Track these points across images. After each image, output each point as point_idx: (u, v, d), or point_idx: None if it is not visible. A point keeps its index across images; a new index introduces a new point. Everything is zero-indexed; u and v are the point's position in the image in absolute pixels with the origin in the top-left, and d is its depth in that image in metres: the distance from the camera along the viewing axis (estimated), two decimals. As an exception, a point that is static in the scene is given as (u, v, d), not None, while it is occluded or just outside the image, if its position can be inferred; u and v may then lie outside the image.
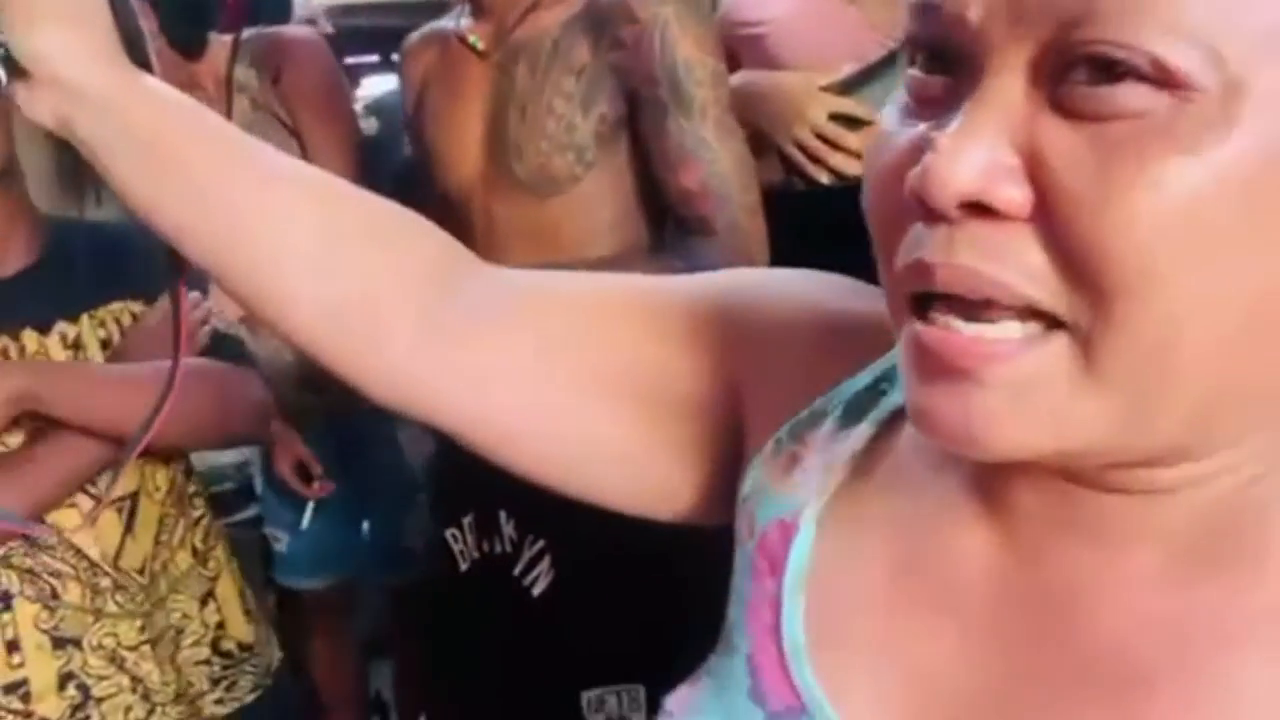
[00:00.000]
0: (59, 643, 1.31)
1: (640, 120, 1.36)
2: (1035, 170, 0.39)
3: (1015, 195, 0.39)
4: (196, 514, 1.45)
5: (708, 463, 0.61)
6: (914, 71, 0.43)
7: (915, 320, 0.42)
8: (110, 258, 1.38)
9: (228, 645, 1.45)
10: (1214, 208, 0.38)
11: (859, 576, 0.51)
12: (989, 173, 0.39)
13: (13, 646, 1.30)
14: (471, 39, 1.47)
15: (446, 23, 1.54)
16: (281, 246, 0.63)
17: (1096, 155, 0.38)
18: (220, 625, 1.45)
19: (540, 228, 1.41)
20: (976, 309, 0.40)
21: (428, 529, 2.00)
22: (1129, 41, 0.37)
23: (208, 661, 1.43)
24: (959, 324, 0.41)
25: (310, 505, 2.16)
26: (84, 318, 1.34)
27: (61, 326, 1.33)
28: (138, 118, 0.63)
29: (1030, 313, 0.40)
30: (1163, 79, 0.37)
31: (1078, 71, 0.38)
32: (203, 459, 2.43)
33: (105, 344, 1.35)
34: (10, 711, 1.30)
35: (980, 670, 0.47)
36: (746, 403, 0.58)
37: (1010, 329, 0.40)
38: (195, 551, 1.43)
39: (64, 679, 1.31)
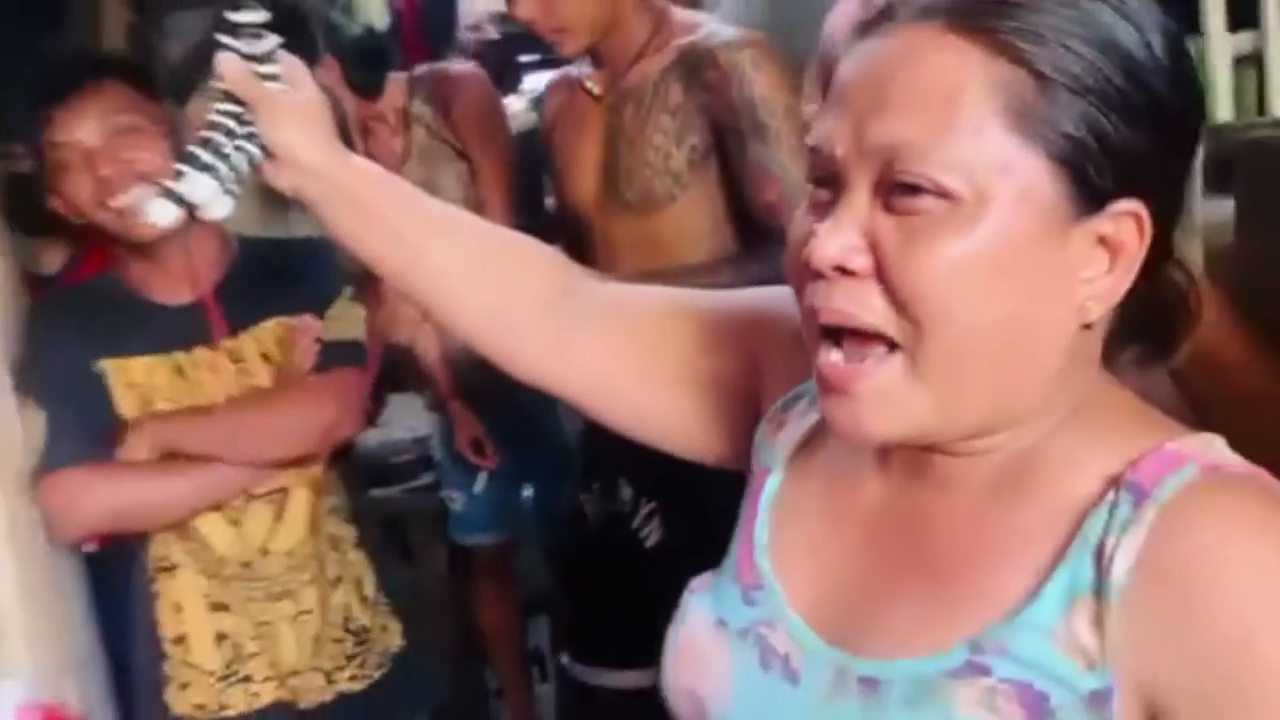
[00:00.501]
0: (215, 606, 1.61)
1: (726, 148, 1.63)
2: (874, 247, 0.65)
3: (862, 262, 0.65)
4: (334, 506, 1.68)
5: (736, 423, 0.87)
6: (809, 186, 0.70)
7: (819, 351, 0.68)
8: (270, 281, 1.62)
9: (355, 627, 1.68)
10: (974, 268, 0.63)
11: (803, 504, 0.78)
12: (846, 249, 0.65)
13: (178, 607, 1.62)
14: (590, 85, 1.76)
15: (573, 70, 1.83)
16: (448, 272, 0.92)
17: (906, 237, 0.64)
18: (349, 607, 1.67)
19: (645, 240, 1.70)
20: (849, 339, 0.66)
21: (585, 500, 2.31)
22: (921, 174, 0.63)
23: (342, 640, 1.66)
24: (838, 356, 0.67)
25: (483, 474, 2.51)
26: (244, 335, 1.61)
27: (227, 343, 1.61)
28: (348, 185, 0.91)
29: (877, 338, 0.65)
30: (941, 193, 0.63)
31: (895, 188, 0.64)
32: (388, 434, 2.83)
33: (265, 356, 1.61)
34: (179, 660, 1.61)
35: (863, 561, 0.73)
36: (763, 383, 0.85)
37: (867, 355, 0.66)
38: (333, 541, 1.67)
39: (219, 637, 1.62)
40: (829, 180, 0.67)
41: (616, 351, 0.89)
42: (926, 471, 0.71)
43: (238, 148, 0.89)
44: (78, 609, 1.65)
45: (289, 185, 0.91)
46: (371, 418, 1.75)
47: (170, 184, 0.88)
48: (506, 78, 3.57)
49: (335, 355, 1.62)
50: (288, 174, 0.90)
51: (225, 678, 1.61)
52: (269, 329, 1.62)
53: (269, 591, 1.61)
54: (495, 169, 2.33)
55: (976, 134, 0.62)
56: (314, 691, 1.64)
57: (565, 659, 2.05)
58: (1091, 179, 0.63)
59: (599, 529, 1.86)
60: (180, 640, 1.61)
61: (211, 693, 1.61)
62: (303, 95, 0.90)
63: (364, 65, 2.32)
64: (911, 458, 0.72)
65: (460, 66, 2.59)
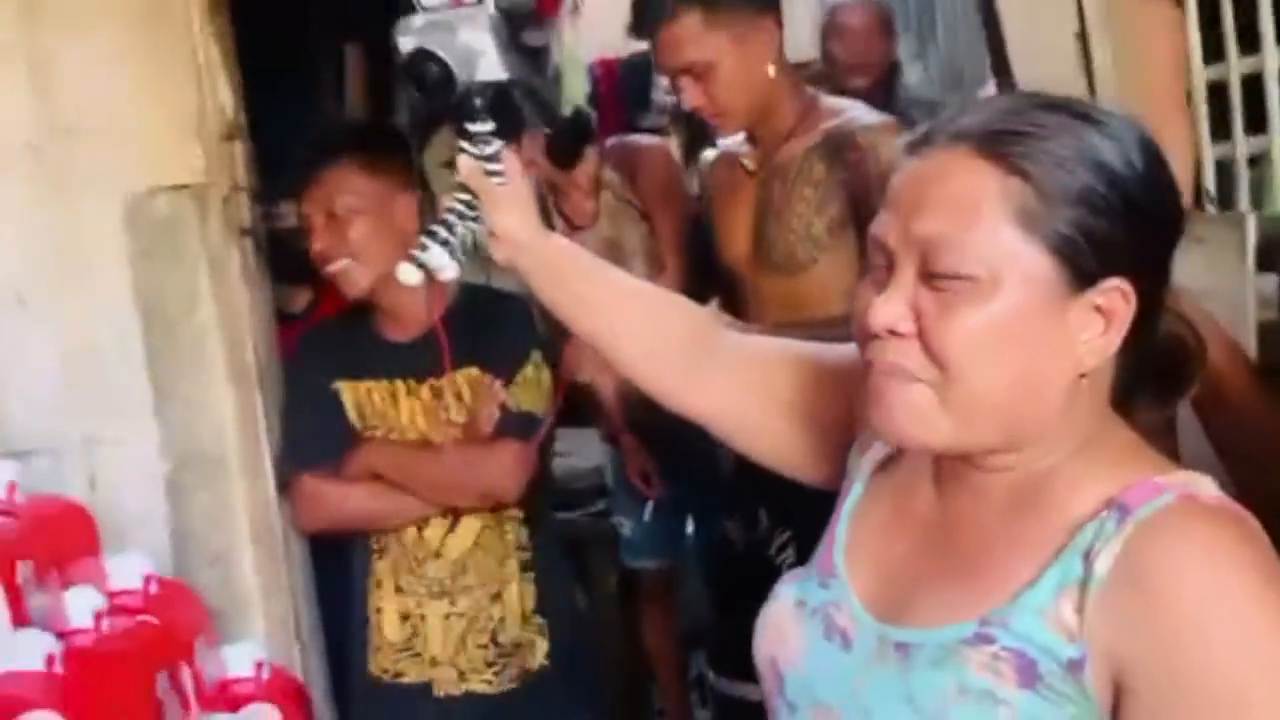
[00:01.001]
0: (399, 590, 1.93)
1: (861, 219, 1.83)
2: (917, 315, 0.86)
3: (908, 327, 0.86)
4: (508, 531, 1.94)
5: (833, 451, 1.07)
6: (872, 261, 0.91)
7: (872, 380, 0.89)
8: (477, 329, 1.89)
9: (504, 640, 1.92)
10: (989, 334, 0.83)
11: (874, 512, 0.99)
12: (897, 317, 0.86)
13: (379, 584, 1.95)
14: (745, 160, 2.00)
15: (731, 145, 2.08)
16: (615, 325, 1.17)
17: (940, 309, 0.84)
18: (501, 620, 1.92)
19: (788, 296, 1.91)
20: (897, 378, 0.87)
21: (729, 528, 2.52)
22: (952, 267, 0.83)
23: (485, 646, 1.92)
24: (885, 383, 0.87)
25: (650, 504, 2.76)
26: (446, 379, 1.89)
27: (432, 381, 1.91)
28: (548, 259, 1.17)
29: (916, 378, 0.86)
30: (965, 277, 0.83)
31: (933, 273, 0.84)
32: (567, 462, 3.11)
33: (458, 396, 1.90)
34: (375, 628, 1.94)
35: (911, 555, 0.93)
36: (855, 418, 1.04)
37: (909, 387, 0.86)
38: (500, 559, 1.93)
39: (403, 616, 1.93)
40: (884, 261, 0.88)
41: (742, 388, 1.12)
42: (963, 485, 0.91)
43: (466, 227, 1.15)
44: (304, 588, 1.99)
45: (504, 259, 1.17)
46: (541, 471, 1.97)
47: (416, 253, 1.15)
48: (702, 137, 3.85)
49: (511, 426, 1.88)
50: (504, 249, 1.16)
51: (404, 650, 1.92)
52: (467, 374, 1.91)
53: (431, 590, 1.92)
54: (673, 231, 2.60)
55: (992, 232, 0.82)
56: (448, 684, 1.91)
57: (711, 674, 2.25)
58: (1083, 265, 0.83)
59: (742, 554, 2.07)
60: (379, 611, 1.94)
61: (392, 660, 1.93)
62: (517, 187, 1.16)
63: (568, 142, 2.63)
64: (953, 474, 0.92)
65: (647, 140, 2.89)
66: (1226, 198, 1.62)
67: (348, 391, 1.94)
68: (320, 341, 1.99)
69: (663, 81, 4.06)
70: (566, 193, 2.68)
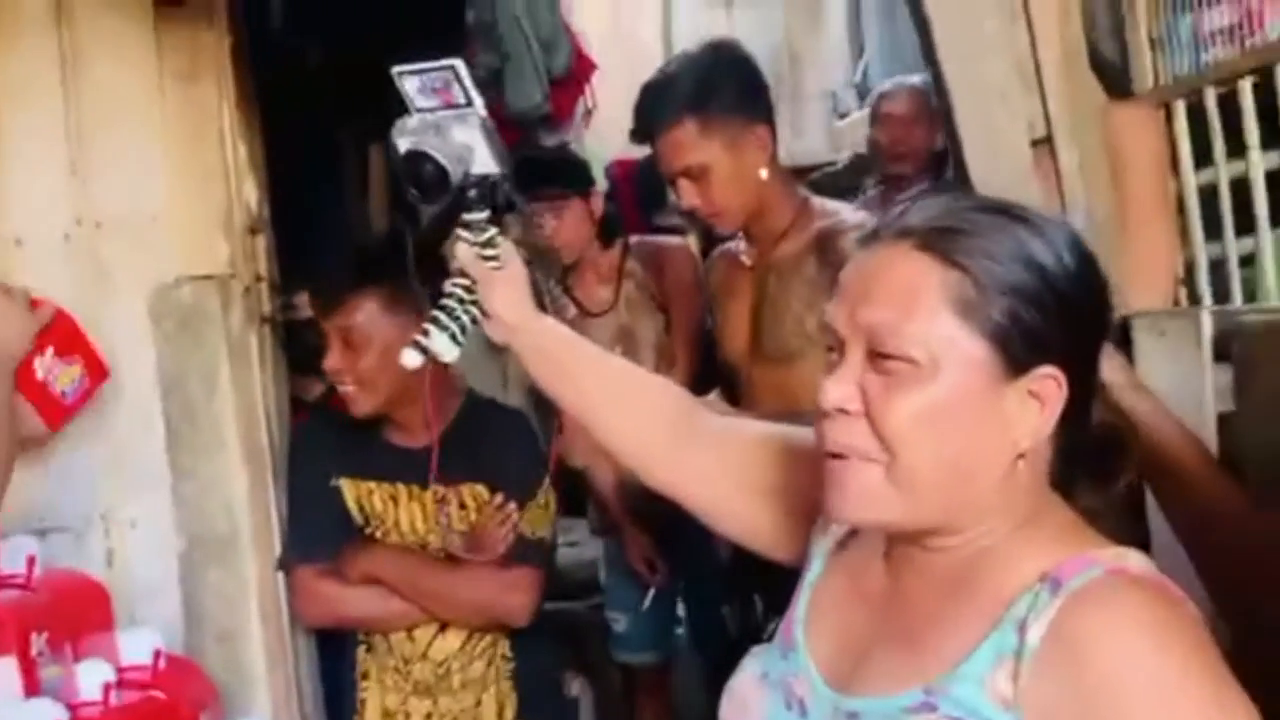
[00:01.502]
0: (384, 686, 1.98)
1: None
2: (864, 395, 0.92)
3: (855, 406, 0.92)
4: (498, 639, 1.98)
5: (801, 529, 1.12)
6: (826, 354, 0.97)
7: (826, 461, 0.95)
8: (480, 447, 1.97)
9: None
10: (930, 414, 0.90)
11: (831, 588, 1.04)
12: (845, 397, 0.93)
13: (365, 675, 2.00)
14: (743, 258, 2.09)
15: (732, 244, 2.17)
16: (602, 404, 1.23)
17: (884, 389, 0.91)
18: None
19: (782, 386, 1.98)
20: (846, 456, 0.93)
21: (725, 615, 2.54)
22: (893, 346, 0.90)
23: None
24: (836, 463, 0.94)
25: (651, 591, 2.78)
26: (452, 488, 1.96)
27: (437, 488, 1.97)
28: (541, 341, 1.25)
29: (866, 457, 0.92)
30: (906, 360, 0.90)
31: (877, 355, 0.91)
32: (574, 552, 3.14)
33: (462, 506, 1.96)
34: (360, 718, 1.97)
35: (863, 629, 0.99)
36: (821, 501, 1.08)
37: (857, 465, 0.92)
38: (489, 663, 1.99)
39: (385, 713, 1.98)
40: (836, 346, 0.95)
41: (717, 467, 1.18)
42: (909, 563, 0.97)
43: (466, 311, 1.22)
44: (308, 667, 2.02)
45: (500, 338, 1.25)
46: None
47: (419, 339, 1.22)
48: (716, 236, 3.95)
49: (525, 551, 1.95)
50: (499, 330, 1.24)
51: None
52: (472, 489, 1.97)
53: (416, 688, 1.97)
54: (688, 327, 2.69)
55: (931, 319, 0.89)
56: None
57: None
58: (1017, 352, 0.89)
59: (738, 641, 2.10)
60: (362, 703, 1.99)
61: None
62: (511, 271, 1.23)
63: (562, 178, 2.72)
64: (900, 553, 0.98)
65: (674, 240, 3.02)
66: (1222, 295, 1.68)
67: (349, 488, 2.00)
68: (324, 436, 2.04)
69: (677, 182, 4.22)
70: (584, 279, 2.77)
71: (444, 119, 1.18)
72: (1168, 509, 1.20)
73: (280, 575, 1.96)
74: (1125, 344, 1.36)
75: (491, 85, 2.99)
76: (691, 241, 4.63)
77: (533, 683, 2.02)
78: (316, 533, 1.97)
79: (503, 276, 1.22)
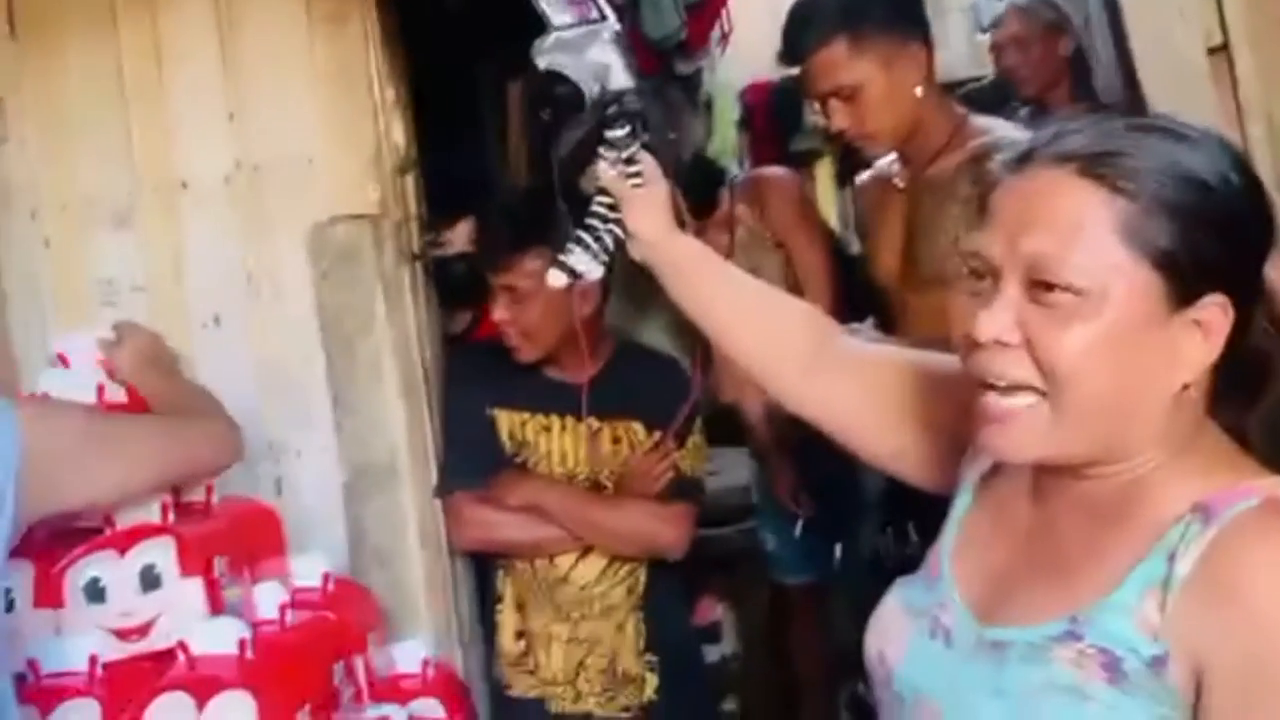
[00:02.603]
0: (519, 607, 2.06)
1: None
2: (1022, 327, 0.90)
3: (1013, 338, 0.90)
4: (635, 568, 2.04)
5: (946, 457, 1.10)
6: (970, 282, 0.95)
7: (981, 395, 0.93)
8: (635, 386, 2.03)
9: (620, 668, 2.04)
10: (1096, 346, 0.87)
11: (979, 519, 1.03)
12: (1003, 329, 0.90)
13: (499, 599, 2.07)
14: (895, 179, 2.04)
15: (883, 165, 2.12)
16: (737, 324, 1.23)
17: (1046, 321, 0.88)
18: (619, 651, 2.04)
19: (939, 311, 1.91)
20: (1005, 391, 0.91)
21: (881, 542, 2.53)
22: (1057, 278, 0.87)
23: (603, 672, 2.03)
24: (995, 398, 0.92)
25: (800, 522, 2.79)
26: (607, 422, 2.03)
27: (591, 421, 2.03)
28: (679, 258, 1.25)
29: (1028, 389, 0.90)
30: (1072, 291, 0.87)
31: (1038, 285, 0.89)
32: (718, 480, 3.17)
33: (615, 440, 2.02)
34: (498, 641, 2.06)
35: (1010, 559, 0.98)
36: (968, 427, 1.05)
37: (1018, 399, 0.91)
38: (628, 591, 2.05)
39: (519, 633, 2.06)
40: (987, 273, 0.92)
41: (859, 391, 1.17)
42: (1062, 494, 0.95)
43: (608, 230, 1.24)
44: (465, 595, 2.10)
45: (640, 256, 1.26)
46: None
47: (562, 258, 1.24)
48: (856, 158, 3.86)
49: (684, 488, 2.02)
50: (639, 247, 1.25)
51: (516, 664, 2.05)
52: (628, 426, 2.04)
53: (557, 613, 2.03)
54: (809, 257, 2.64)
55: (1098, 248, 0.86)
56: (565, 701, 2.03)
57: (863, 688, 2.27)
58: (1185, 279, 0.86)
59: (894, 570, 2.09)
60: (497, 626, 2.07)
61: (508, 673, 2.06)
62: (654, 190, 1.24)
63: (699, 190, 2.69)
64: (1051, 484, 0.96)
65: (774, 171, 2.93)
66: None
67: (503, 418, 2.06)
68: (479, 365, 2.11)
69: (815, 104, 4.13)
70: (703, 229, 2.73)
71: (579, 36, 1.18)
72: None
73: (437, 502, 2.04)
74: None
75: (627, 12, 2.96)
76: (828, 165, 4.56)
77: (662, 619, 2.08)
78: (472, 461, 2.03)
79: (644, 194, 1.23)
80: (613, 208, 1.23)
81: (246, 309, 1.97)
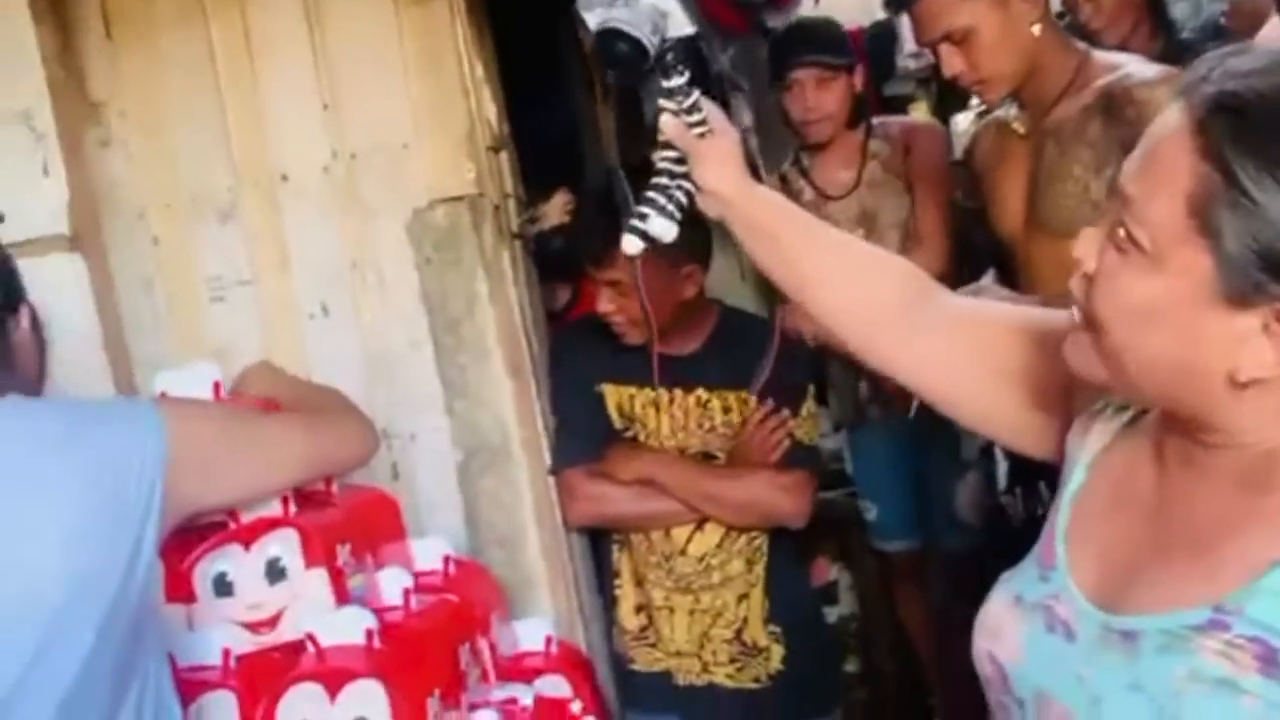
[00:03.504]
0: (639, 581, 2.02)
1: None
2: (1098, 260, 0.85)
3: (1090, 266, 0.86)
4: (755, 539, 2.02)
5: (1049, 420, 1.04)
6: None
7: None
8: (742, 355, 1.99)
9: (747, 639, 2.01)
10: (1137, 306, 0.82)
11: (1096, 498, 0.95)
12: (1085, 255, 0.87)
13: (617, 574, 2.05)
14: (1015, 125, 1.94)
15: (1000, 112, 2.02)
16: (823, 281, 1.15)
17: (1111, 264, 0.83)
18: (745, 621, 2.01)
19: (1066, 261, 1.83)
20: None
21: (981, 505, 2.45)
22: (1130, 229, 0.81)
23: (729, 642, 2.00)
24: (1076, 311, 0.87)
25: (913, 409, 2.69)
26: (715, 392, 1.99)
27: (700, 392, 2.00)
28: (757, 215, 1.17)
29: (1083, 321, 0.86)
30: (1134, 243, 0.81)
31: (1122, 227, 0.83)
32: (824, 444, 3.12)
33: (725, 410, 1.98)
34: (616, 615, 2.05)
35: (1134, 538, 0.90)
36: (1075, 391, 1.02)
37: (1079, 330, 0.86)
38: (748, 562, 2.01)
39: (638, 607, 2.03)
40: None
41: (954, 350, 1.09)
42: (1190, 463, 0.87)
43: (678, 186, 1.16)
44: (584, 568, 2.10)
45: (714, 213, 1.18)
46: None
47: (635, 223, 1.16)
48: (951, 102, 3.74)
49: (801, 456, 1.99)
50: (712, 204, 1.17)
51: (638, 638, 2.04)
52: (738, 395, 2.00)
53: (677, 585, 2.01)
54: (937, 209, 2.56)
55: (1169, 209, 0.79)
56: (690, 674, 2.01)
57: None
58: (1250, 282, 0.77)
59: (1020, 526, 2.02)
60: (615, 601, 2.06)
61: (631, 648, 2.05)
62: (722, 140, 1.15)
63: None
64: (1177, 452, 0.88)
65: (922, 120, 2.87)
66: None
67: (611, 393, 2.04)
68: (584, 342, 2.09)
69: (907, 48, 3.99)
70: (826, 162, 2.67)
71: None
72: None
73: (552, 480, 2.03)
74: None
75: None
76: (923, 109, 4.43)
77: (783, 589, 2.06)
78: (583, 436, 2.03)
79: (713, 146, 1.14)
80: (680, 161, 1.15)
81: (352, 297, 1.98)
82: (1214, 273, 0.78)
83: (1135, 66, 1.82)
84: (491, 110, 1.99)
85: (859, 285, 1.14)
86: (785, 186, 2.69)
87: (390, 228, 1.95)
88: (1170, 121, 0.81)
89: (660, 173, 1.16)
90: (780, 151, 2.92)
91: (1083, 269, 0.85)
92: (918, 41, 1.92)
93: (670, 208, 1.15)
